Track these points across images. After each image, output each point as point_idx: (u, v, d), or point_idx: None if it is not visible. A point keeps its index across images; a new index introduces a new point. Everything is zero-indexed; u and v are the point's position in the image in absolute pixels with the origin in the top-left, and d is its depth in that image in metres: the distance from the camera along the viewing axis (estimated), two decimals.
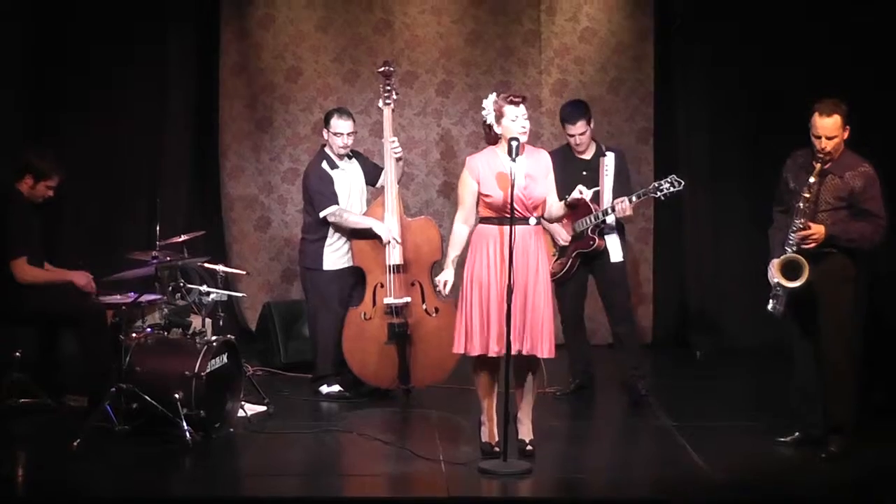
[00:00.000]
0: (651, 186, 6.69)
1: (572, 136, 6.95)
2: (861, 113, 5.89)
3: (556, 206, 5.88)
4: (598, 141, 7.12)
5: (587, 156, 7.00)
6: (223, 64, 8.80)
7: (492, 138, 5.81)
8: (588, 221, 6.84)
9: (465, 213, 5.80)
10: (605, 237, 6.91)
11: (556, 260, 6.97)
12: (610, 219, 6.84)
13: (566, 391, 7.18)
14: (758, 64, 8.58)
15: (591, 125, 7.01)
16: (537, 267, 5.73)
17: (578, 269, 7.00)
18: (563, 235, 6.95)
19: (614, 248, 6.93)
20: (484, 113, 5.76)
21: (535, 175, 5.74)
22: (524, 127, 5.71)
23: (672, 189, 6.60)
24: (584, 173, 6.87)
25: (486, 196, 5.72)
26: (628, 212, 6.71)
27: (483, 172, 5.73)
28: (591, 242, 6.87)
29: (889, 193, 5.86)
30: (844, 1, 8.27)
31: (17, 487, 5.56)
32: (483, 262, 5.71)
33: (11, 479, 5.59)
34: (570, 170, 6.85)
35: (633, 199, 6.69)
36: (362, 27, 8.84)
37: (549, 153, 5.97)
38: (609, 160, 6.95)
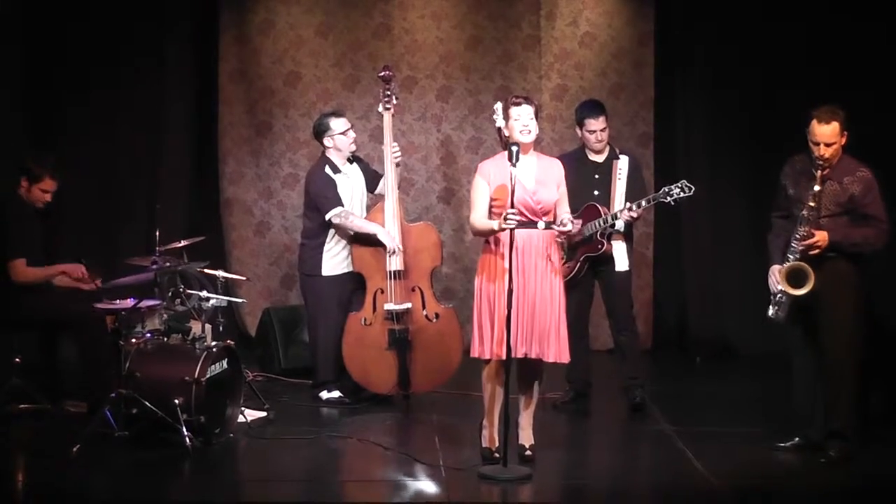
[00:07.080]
0: (661, 191, 6.57)
1: (593, 131, 6.82)
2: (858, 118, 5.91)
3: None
4: (612, 144, 6.99)
5: (600, 158, 6.89)
6: (222, 69, 8.79)
7: (505, 144, 5.83)
8: (597, 225, 6.74)
9: (479, 215, 5.79)
10: (613, 243, 6.80)
11: (565, 263, 6.92)
12: (619, 224, 6.76)
13: (563, 400, 7.08)
14: (757, 68, 8.57)
15: (608, 125, 6.91)
16: (548, 271, 5.76)
17: (586, 275, 6.89)
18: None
19: (620, 257, 6.82)
20: (495, 117, 5.83)
21: (544, 180, 5.77)
22: (525, 125, 5.74)
23: (682, 194, 6.51)
24: (597, 176, 6.83)
25: (495, 199, 5.75)
26: (634, 214, 6.66)
27: (493, 177, 5.78)
28: (600, 246, 6.76)
29: (889, 200, 5.87)
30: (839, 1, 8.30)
31: (17, 493, 5.55)
32: (492, 266, 5.77)
33: (11, 485, 5.59)
34: (583, 172, 6.79)
35: (643, 203, 6.62)
36: (362, 32, 8.83)
37: (560, 157, 5.96)
38: (622, 163, 6.84)
